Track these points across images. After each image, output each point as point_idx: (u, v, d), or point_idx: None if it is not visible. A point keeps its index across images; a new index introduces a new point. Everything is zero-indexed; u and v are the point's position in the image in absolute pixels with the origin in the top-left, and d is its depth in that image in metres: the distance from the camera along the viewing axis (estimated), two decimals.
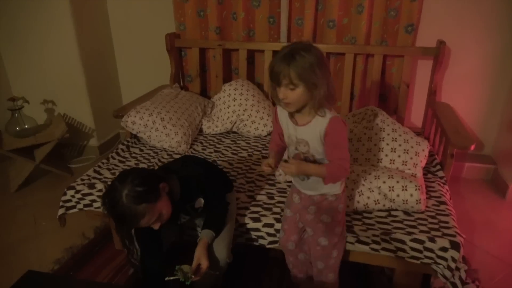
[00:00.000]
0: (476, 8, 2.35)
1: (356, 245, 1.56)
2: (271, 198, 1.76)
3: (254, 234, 1.65)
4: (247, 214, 1.66)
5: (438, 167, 1.99)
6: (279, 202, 1.73)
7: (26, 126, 2.71)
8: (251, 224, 1.64)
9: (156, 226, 1.34)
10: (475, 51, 2.46)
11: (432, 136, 2.33)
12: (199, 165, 1.64)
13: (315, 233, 1.48)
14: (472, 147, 1.84)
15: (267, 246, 1.66)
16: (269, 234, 1.63)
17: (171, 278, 1.31)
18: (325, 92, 1.20)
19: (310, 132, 1.28)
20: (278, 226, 1.61)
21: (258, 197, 1.77)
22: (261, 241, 1.66)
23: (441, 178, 1.91)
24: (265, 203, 1.73)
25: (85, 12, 2.78)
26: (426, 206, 1.66)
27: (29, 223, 2.30)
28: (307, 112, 1.27)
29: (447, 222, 1.56)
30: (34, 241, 2.14)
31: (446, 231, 1.51)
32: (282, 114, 1.36)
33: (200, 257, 1.37)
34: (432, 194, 1.76)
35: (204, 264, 1.36)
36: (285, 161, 1.32)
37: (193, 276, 1.32)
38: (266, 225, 1.62)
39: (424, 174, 1.91)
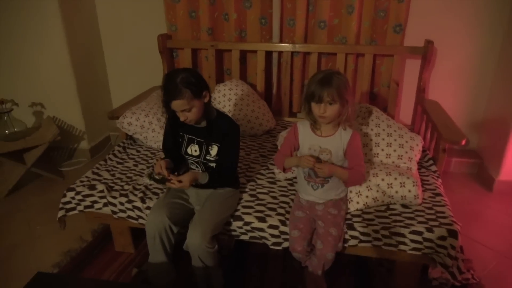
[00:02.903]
0: (460, 9, 2.45)
1: (358, 244, 1.61)
2: (274, 198, 1.79)
3: (258, 233, 1.67)
4: (252, 213, 1.69)
5: (431, 161, 2.07)
6: (283, 202, 1.76)
7: (15, 129, 2.67)
8: (256, 224, 1.66)
9: (182, 117, 1.54)
10: (459, 50, 2.57)
11: (422, 132, 2.41)
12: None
13: (326, 224, 1.58)
14: (463, 142, 1.92)
15: (270, 247, 1.68)
16: (273, 236, 1.66)
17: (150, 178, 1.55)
18: (351, 110, 1.49)
19: (334, 142, 1.54)
20: (283, 228, 1.63)
21: (261, 196, 1.80)
22: (264, 241, 1.68)
23: (434, 172, 1.99)
24: (269, 203, 1.75)
25: (74, 14, 2.75)
26: (423, 199, 1.73)
27: (23, 228, 2.25)
28: (332, 126, 1.54)
29: (443, 212, 1.62)
30: (30, 246, 2.10)
31: (443, 220, 1.57)
32: (303, 129, 1.59)
33: (185, 176, 1.55)
34: (428, 187, 1.83)
35: (185, 181, 1.53)
36: (318, 159, 1.51)
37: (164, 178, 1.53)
38: (272, 226, 1.65)
39: (418, 169, 1.98)
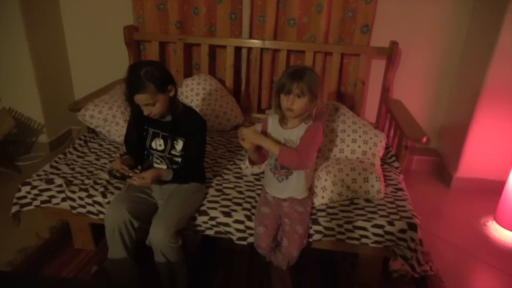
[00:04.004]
0: (425, 11, 2.54)
1: (322, 239, 1.63)
2: (240, 192, 1.78)
3: (224, 228, 1.65)
4: (217, 207, 1.67)
5: (393, 158, 2.13)
6: (249, 197, 1.75)
7: None
8: (221, 218, 1.64)
9: (145, 111, 1.50)
10: (423, 51, 2.66)
11: (386, 130, 2.48)
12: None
13: (292, 222, 1.58)
14: (424, 139, 1.99)
15: (236, 242, 1.67)
16: (238, 230, 1.65)
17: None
18: (319, 107, 1.49)
19: (297, 132, 1.53)
20: (248, 223, 1.62)
21: (227, 191, 1.78)
22: (230, 236, 1.67)
23: (396, 168, 2.05)
24: (235, 198, 1.74)
25: (34, 2, 2.61)
26: (385, 193, 1.77)
27: None
28: (298, 120, 1.53)
29: (404, 206, 1.67)
30: None
31: (403, 214, 1.62)
32: (272, 122, 1.59)
33: (148, 173, 1.51)
34: (390, 182, 1.88)
35: (147, 178, 1.48)
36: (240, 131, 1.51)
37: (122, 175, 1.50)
38: (237, 221, 1.63)
39: (381, 165, 2.04)
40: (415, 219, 1.58)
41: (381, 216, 1.61)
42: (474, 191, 2.55)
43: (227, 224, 1.64)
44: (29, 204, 1.78)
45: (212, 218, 1.65)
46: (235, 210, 1.66)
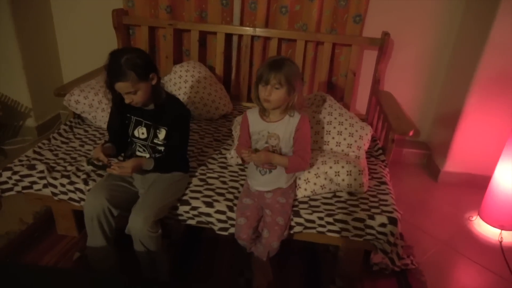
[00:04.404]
0: (419, 2, 2.50)
1: (303, 231, 1.63)
2: (224, 183, 1.77)
3: (205, 218, 1.65)
4: (200, 197, 1.66)
5: (380, 151, 2.12)
6: (232, 187, 1.74)
7: None
8: (203, 208, 1.63)
9: (127, 99, 1.48)
10: (415, 43, 2.63)
11: (375, 123, 2.46)
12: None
13: (273, 213, 1.58)
14: (411, 133, 1.98)
15: (217, 232, 1.67)
16: (220, 221, 1.64)
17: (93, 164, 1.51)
18: (298, 98, 1.48)
19: (282, 127, 1.52)
20: (230, 214, 1.62)
21: (211, 181, 1.77)
22: (211, 226, 1.67)
23: (382, 161, 2.04)
24: (218, 188, 1.73)
25: None
26: (369, 186, 1.77)
27: None
28: (279, 112, 1.52)
29: (386, 200, 1.67)
30: None
31: (385, 208, 1.62)
32: (253, 116, 1.58)
33: (128, 162, 1.51)
34: (374, 175, 1.88)
35: (127, 168, 1.48)
36: (256, 150, 1.53)
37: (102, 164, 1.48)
38: (219, 211, 1.63)
39: (367, 158, 2.03)
40: (396, 213, 1.59)
41: (363, 209, 1.61)
42: (461, 186, 2.56)
43: (208, 214, 1.64)
44: (11, 189, 1.77)
45: (194, 208, 1.64)
46: (217, 201, 1.65)
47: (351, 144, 1.84)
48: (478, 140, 2.45)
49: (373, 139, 2.26)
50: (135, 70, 1.42)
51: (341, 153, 1.83)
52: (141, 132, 1.61)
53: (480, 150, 2.48)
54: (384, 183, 1.82)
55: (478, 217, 2.23)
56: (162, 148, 1.62)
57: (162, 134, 1.59)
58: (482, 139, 2.45)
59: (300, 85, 1.49)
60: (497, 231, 2.12)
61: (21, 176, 1.74)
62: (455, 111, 2.48)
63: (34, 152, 1.89)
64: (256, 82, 1.48)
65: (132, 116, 1.61)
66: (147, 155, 1.64)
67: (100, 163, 1.48)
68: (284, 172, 1.57)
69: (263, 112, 1.54)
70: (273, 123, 1.52)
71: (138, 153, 1.65)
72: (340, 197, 1.70)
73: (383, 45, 2.45)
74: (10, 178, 1.75)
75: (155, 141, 1.61)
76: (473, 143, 2.46)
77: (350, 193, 1.72)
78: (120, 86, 1.43)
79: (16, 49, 2.62)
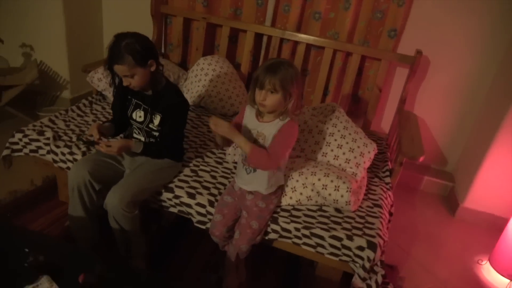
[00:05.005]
0: (462, 23, 2.34)
1: (278, 239, 1.58)
2: (214, 177, 1.77)
3: (186, 209, 1.66)
4: (184, 187, 1.67)
5: (387, 173, 2.00)
6: (220, 183, 1.74)
7: None
8: (185, 199, 1.65)
9: (125, 82, 1.52)
10: (454, 66, 2.45)
11: (393, 143, 2.33)
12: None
13: (249, 216, 1.55)
14: (421, 159, 1.85)
15: (195, 224, 1.67)
16: (199, 214, 1.64)
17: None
18: (294, 104, 1.41)
19: (270, 128, 1.46)
20: (210, 209, 1.62)
21: (201, 173, 1.78)
22: (191, 217, 1.67)
23: (387, 183, 1.93)
24: (206, 181, 1.73)
25: None
26: (360, 207, 1.68)
27: None
28: (273, 115, 1.46)
29: (372, 224, 1.58)
30: None
31: (368, 231, 1.53)
32: (249, 112, 1.53)
33: (116, 142, 1.53)
34: (371, 196, 1.78)
35: (114, 147, 1.51)
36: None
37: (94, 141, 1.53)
38: (199, 204, 1.63)
39: (371, 177, 1.93)
40: (377, 239, 1.49)
41: (343, 228, 1.53)
42: (478, 225, 2.35)
43: (189, 205, 1.64)
44: (20, 150, 1.90)
45: (176, 197, 1.66)
46: (200, 193, 1.65)
47: (349, 160, 1.75)
48: (503, 180, 2.24)
49: (384, 160, 2.14)
50: (133, 55, 1.45)
51: (338, 167, 1.75)
52: (138, 115, 1.65)
53: (503, 191, 2.26)
54: (379, 206, 1.71)
55: (488, 262, 2.03)
56: (156, 134, 1.65)
57: (157, 120, 1.62)
58: (505, 180, 2.23)
59: (297, 90, 1.41)
60: (506, 281, 1.92)
61: (30, 139, 1.87)
62: (484, 145, 2.28)
63: (50, 120, 2.02)
64: (252, 84, 1.44)
65: (133, 99, 1.66)
66: (142, 138, 1.68)
67: (92, 139, 1.54)
68: (266, 177, 1.53)
69: (259, 112, 1.50)
70: (264, 123, 1.47)
71: (134, 135, 1.70)
72: (325, 211, 1.63)
73: (414, 63, 2.32)
74: (20, 140, 1.88)
75: (150, 126, 1.64)
76: (497, 182, 2.25)
77: (337, 210, 1.65)
78: (118, 69, 1.48)
79: (62, 24, 2.81)
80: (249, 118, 1.54)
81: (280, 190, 1.63)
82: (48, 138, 1.85)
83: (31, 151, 1.88)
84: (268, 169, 1.49)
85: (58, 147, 1.82)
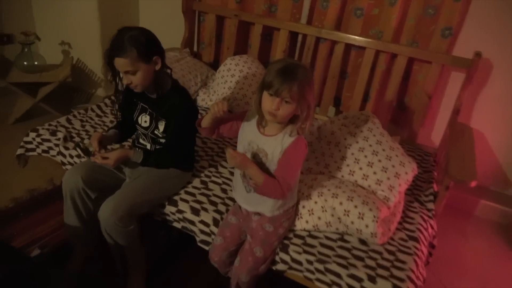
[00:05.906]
0: None
1: (288, 270, 1.37)
2: (224, 191, 1.59)
3: (189, 225, 1.50)
4: (190, 201, 1.51)
5: (431, 197, 1.70)
6: (230, 199, 1.55)
7: (35, 63, 2.74)
8: (188, 214, 1.48)
9: (126, 79, 1.38)
10: None
11: (441, 161, 2.00)
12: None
13: (254, 241, 1.35)
14: (473, 184, 1.53)
15: (198, 244, 1.50)
16: (202, 232, 1.47)
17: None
18: (307, 115, 1.20)
19: (274, 144, 1.24)
20: (213, 228, 1.44)
21: (211, 185, 1.61)
22: (194, 235, 1.51)
23: (429, 210, 1.63)
24: (215, 195, 1.56)
25: None
26: (391, 239, 1.41)
27: (8, 155, 2.31)
28: (278, 126, 1.24)
29: (404, 262, 1.30)
30: (4, 175, 2.15)
31: (396, 272, 1.26)
32: (251, 118, 1.31)
33: (113, 153, 1.42)
34: (407, 225, 1.50)
35: (110, 159, 1.40)
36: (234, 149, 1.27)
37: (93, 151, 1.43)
38: (203, 222, 1.46)
39: (410, 202, 1.64)
40: (407, 283, 1.22)
41: (366, 266, 1.27)
42: None
43: (192, 222, 1.48)
44: (34, 150, 1.86)
45: (180, 211, 1.50)
46: (205, 210, 1.48)
47: (381, 181, 1.48)
48: None
49: (429, 180, 1.83)
50: (137, 47, 1.32)
51: (367, 189, 1.49)
52: (144, 120, 1.52)
53: None
54: (415, 239, 1.43)
55: None
56: (163, 141, 1.51)
57: (162, 126, 1.48)
58: None
59: (313, 98, 1.21)
60: None
61: (42, 139, 1.82)
62: None
63: (67, 119, 1.96)
64: (261, 87, 1.21)
65: (139, 102, 1.53)
66: (148, 145, 1.54)
67: (91, 149, 1.43)
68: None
69: (260, 122, 1.28)
70: (266, 137, 1.25)
71: (140, 141, 1.57)
72: (347, 241, 1.38)
73: (471, 67, 1.97)
74: (34, 139, 1.83)
75: (155, 132, 1.50)
76: None
77: (361, 240, 1.39)
78: (119, 63, 1.34)
79: (96, 22, 2.79)
80: (249, 125, 1.31)
81: (292, 210, 1.40)
82: (59, 139, 1.78)
83: (43, 151, 1.83)
84: (278, 198, 1.28)
85: (67, 148, 1.74)
